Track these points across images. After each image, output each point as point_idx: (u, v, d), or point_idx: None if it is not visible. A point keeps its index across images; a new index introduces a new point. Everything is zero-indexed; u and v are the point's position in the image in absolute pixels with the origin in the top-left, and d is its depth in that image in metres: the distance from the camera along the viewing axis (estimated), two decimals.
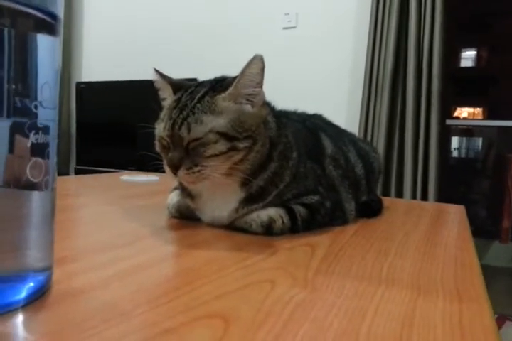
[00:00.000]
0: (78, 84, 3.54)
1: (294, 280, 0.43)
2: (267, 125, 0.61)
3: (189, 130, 0.55)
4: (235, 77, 0.58)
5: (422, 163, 2.57)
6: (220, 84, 0.59)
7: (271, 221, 0.61)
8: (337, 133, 0.84)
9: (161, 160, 0.60)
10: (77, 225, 0.65)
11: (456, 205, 1.03)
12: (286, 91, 2.65)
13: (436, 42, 2.52)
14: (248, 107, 0.58)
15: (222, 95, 0.57)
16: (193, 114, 0.56)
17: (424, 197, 2.55)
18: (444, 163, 2.62)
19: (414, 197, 2.57)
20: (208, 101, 0.57)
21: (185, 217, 0.69)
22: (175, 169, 0.56)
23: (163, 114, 0.59)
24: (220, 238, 0.60)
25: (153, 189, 1.06)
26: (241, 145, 0.56)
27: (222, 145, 0.55)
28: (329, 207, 0.68)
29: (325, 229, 0.67)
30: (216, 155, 0.56)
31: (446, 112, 2.71)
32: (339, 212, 0.71)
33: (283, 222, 0.61)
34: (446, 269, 0.50)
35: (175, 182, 0.73)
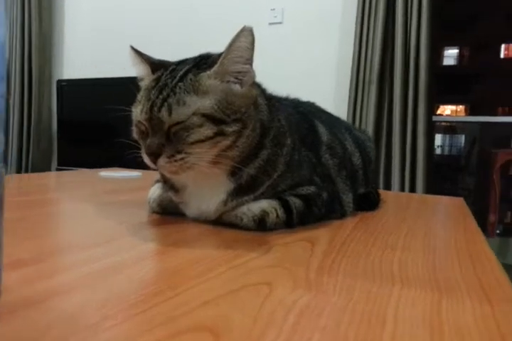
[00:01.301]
0: (59, 81, 3.42)
1: (295, 280, 0.36)
2: (257, 107, 0.55)
3: (170, 112, 0.49)
4: (221, 53, 0.51)
5: (410, 156, 2.54)
6: (205, 61, 0.52)
7: (264, 214, 0.55)
8: (332, 120, 0.78)
9: (140, 149, 0.53)
10: (44, 222, 0.58)
11: (454, 197, 0.99)
12: (271, 88, 2.59)
13: (423, 37, 2.49)
14: (236, 87, 0.52)
15: (208, 73, 0.51)
16: (175, 94, 0.49)
17: (413, 191, 2.52)
18: (431, 156, 2.60)
19: (402, 190, 2.55)
20: (191, 80, 0.50)
21: (168, 212, 0.62)
22: (154, 157, 0.50)
23: (140, 96, 0.52)
24: (207, 234, 0.53)
25: (134, 185, 0.98)
26: (229, 129, 0.50)
27: (208, 130, 0.49)
28: (326, 198, 0.62)
29: (322, 223, 0.61)
30: (201, 141, 0.49)
31: (433, 106, 2.70)
32: (336, 204, 0.65)
33: (277, 215, 0.55)
34: (464, 265, 0.44)
35: (157, 175, 0.67)
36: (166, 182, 0.61)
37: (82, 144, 3.40)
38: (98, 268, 0.37)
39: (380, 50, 2.56)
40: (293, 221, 0.57)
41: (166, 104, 0.49)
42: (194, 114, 0.49)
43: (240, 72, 0.51)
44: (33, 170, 3.26)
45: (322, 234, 0.55)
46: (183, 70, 0.51)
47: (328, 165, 0.67)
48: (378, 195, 0.80)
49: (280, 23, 2.81)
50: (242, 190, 0.55)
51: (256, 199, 0.56)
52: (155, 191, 0.64)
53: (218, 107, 0.49)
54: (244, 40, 0.49)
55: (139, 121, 0.52)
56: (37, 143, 3.40)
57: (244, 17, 2.84)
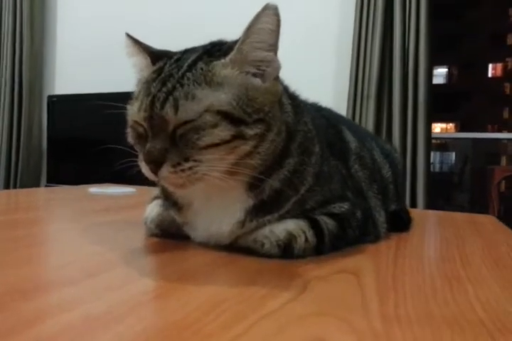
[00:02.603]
0: (50, 97, 3.34)
1: (359, 336, 0.26)
2: (282, 107, 0.45)
3: (176, 109, 0.38)
4: (239, 38, 0.42)
5: (410, 173, 2.47)
6: (219, 48, 0.43)
7: (290, 238, 0.44)
8: (356, 127, 0.68)
9: (136, 156, 0.43)
10: (25, 248, 0.46)
11: (485, 215, 0.89)
12: None
13: (422, 54, 2.44)
14: (257, 80, 0.42)
15: (222, 61, 0.41)
16: (182, 86, 0.39)
17: (414, 207, 2.44)
18: (429, 172, 2.53)
19: None
20: (202, 69, 0.40)
21: (170, 235, 0.51)
22: (155, 166, 0.39)
23: (138, 90, 0.42)
24: (220, 264, 0.42)
25: (127, 202, 0.87)
26: (250, 131, 0.40)
27: (224, 131, 0.39)
28: (360, 218, 0.51)
29: (355, 247, 0.50)
30: (215, 146, 0.39)
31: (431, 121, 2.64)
32: (370, 224, 0.54)
33: (306, 239, 0.44)
34: None
35: (155, 190, 0.56)
36: (167, 198, 0.50)
37: (73, 161, 3.29)
38: (75, 321, 0.26)
39: (377, 65, 2.50)
40: (324, 246, 0.46)
41: (170, 98, 0.39)
42: (207, 110, 0.38)
43: (262, 61, 0.42)
44: (22, 187, 3.13)
45: (362, 262, 0.44)
46: (192, 58, 0.41)
47: (359, 178, 0.57)
48: (408, 212, 0.70)
49: None
50: (264, 208, 0.44)
51: (280, 218, 0.45)
52: (153, 209, 0.53)
53: (237, 103, 0.39)
54: (268, 20, 0.40)
55: (136, 122, 0.41)
56: (26, 159, 3.28)
57: (238, 32, 2.79)
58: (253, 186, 0.44)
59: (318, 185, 0.47)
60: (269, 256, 0.44)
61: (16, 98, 3.16)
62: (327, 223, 0.46)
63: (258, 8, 0.40)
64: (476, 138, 3.75)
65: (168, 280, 0.36)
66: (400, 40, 2.52)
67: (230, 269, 0.41)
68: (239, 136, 0.39)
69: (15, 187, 3.19)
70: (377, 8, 2.62)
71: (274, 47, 0.41)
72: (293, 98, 0.49)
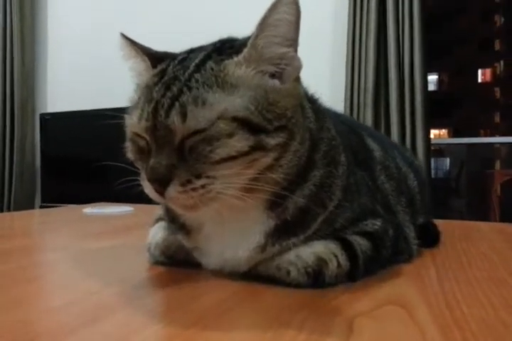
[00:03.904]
0: (42, 115, 3.29)
1: None
2: (303, 112, 0.39)
3: (184, 116, 0.32)
4: (252, 34, 0.36)
5: None
6: (230, 45, 0.37)
7: (320, 264, 0.38)
8: (377, 135, 0.63)
9: (136, 173, 0.36)
10: (5, 286, 0.39)
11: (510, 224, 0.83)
12: None
13: (417, 59, 2.41)
14: (276, 81, 0.36)
15: (235, 59, 0.35)
16: (189, 89, 0.33)
17: None
18: (431, 178, 2.48)
19: None
20: (212, 70, 0.34)
21: (177, 263, 0.44)
22: (161, 185, 0.33)
23: (137, 97, 0.36)
24: (239, 300, 0.36)
25: (125, 223, 0.80)
26: (272, 141, 0.34)
27: (241, 141, 0.33)
28: (392, 235, 0.45)
29: (389, 270, 0.44)
30: (232, 159, 0.33)
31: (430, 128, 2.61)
32: (402, 241, 0.48)
33: (338, 264, 0.38)
34: None
35: (158, 210, 0.50)
36: (173, 220, 0.44)
37: (67, 180, 3.22)
38: None
39: (373, 73, 2.47)
40: (358, 271, 0.40)
41: (177, 104, 0.33)
42: (220, 117, 0.32)
43: (280, 59, 0.36)
44: (16, 207, 3.04)
45: (405, 290, 0.38)
46: (200, 57, 0.36)
47: (386, 190, 0.51)
48: (436, 225, 0.64)
49: None
50: (288, 229, 0.38)
51: (307, 241, 0.39)
52: (157, 233, 0.47)
53: (256, 108, 0.33)
54: (286, 10, 0.34)
55: (136, 134, 0.35)
56: (20, 179, 3.21)
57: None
58: (274, 204, 0.38)
59: (347, 200, 0.41)
60: (295, 285, 0.37)
61: (8, 116, 3.10)
62: (361, 244, 0.40)
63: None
64: (470, 143, 3.72)
65: (179, 327, 0.29)
66: (394, 47, 2.50)
67: (254, 306, 0.34)
68: (258, 147, 0.33)
69: (9, 206, 3.11)
70: (370, 16, 2.60)
71: (294, 43, 0.36)
72: (313, 101, 0.43)
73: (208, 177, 0.33)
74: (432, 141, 2.71)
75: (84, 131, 3.13)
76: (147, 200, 0.38)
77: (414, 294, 0.37)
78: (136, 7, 2.98)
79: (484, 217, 3.74)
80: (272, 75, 0.36)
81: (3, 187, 3.12)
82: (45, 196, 3.36)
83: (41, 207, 3.28)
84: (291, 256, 0.38)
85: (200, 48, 0.38)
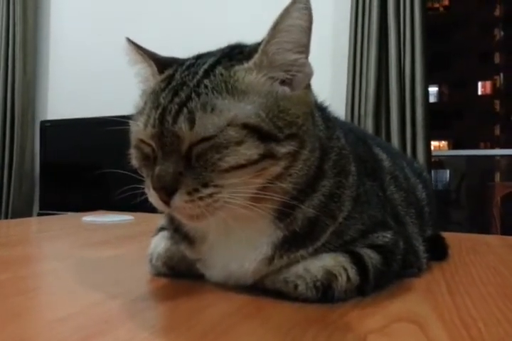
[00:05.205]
0: (43, 122, 3.29)
1: None
2: (313, 120, 0.38)
3: (192, 123, 0.31)
4: (263, 40, 0.35)
5: None
6: (240, 50, 0.36)
7: (329, 278, 0.36)
8: (384, 144, 0.62)
9: (136, 181, 0.35)
10: (2, 298, 0.38)
11: None
12: None
13: (418, 70, 2.42)
14: (286, 88, 0.35)
15: (246, 65, 0.34)
16: (198, 95, 0.32)
17: None
18: (433, 190, 2.48)
19: None
20: (221, 75, 0.33)
21: (179, 274, 0.43)
22: (167, 194, 0.32)
23: (144, 103, 0.35)
24: (245, 315, 0.34)
25: (125, 232, 0.79)
26: (282, 149, 0.33)
27: (251, 149, 0.32)
28: (403, 248, 0.44)
29: (399, 284, 0.43)
30: (241, 167, 0.32)
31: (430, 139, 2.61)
32: (411, 254, 0.47)
33: (348, 278, 0.37)
34: None
35: (160, 219, 0.48)
36: (176, 230, 0.42)
37: (66, 187, 3.20)
38: None
39: (374, 83, 2.48)
40: (368, 285, 0.38)
41: (185, 110, 0.32)
42: (230, 124, 0.31)
43: (292, 65, 0.35)
44: (14, 215, 3.02)
45: (417, 305, 0.37)
46: (209, 63, 0.35)
47: (395, 201, 0.49)
48: (444, 238, 0.62)
49: None
50: (296, 241, 0.37)
51: (316, 253, 0.37)
52: (159, 243, 0.45)
53: (266, 115, 0.32)
54: (299, 15, 0.33)
55: (142, 140, 0.34)
56: (18, 186, 3.19)
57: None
58: (283, 214, 0.36)
59: (356, 211, 0.40)
60: (303, 300, 0.36)
61: (9, 123, 3.10)
62: (371, 257, 0.39)
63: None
64: (470, 156, 3.72)
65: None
66: (395, 59, 2.51)
67: (261, 322, 0.32)
68: (268, 155, 0.32)
69: (7, 213, 3.08)
70: (371, 28, 2.62)
71: (305, 49, 0.35)
72: (322, 109, 0.42)
73: (215, 186, 0.32)
74: (432, 153, 2.71)
75: (84, 139, 3.13)
76: (148, 209, 0.37)
77: (427, 310, 0.35)
78: (135, 17, 3.00)
79: (485, 229, 3.72)
80: (283, 82, 0.35)
81: (2, 193, 3.10)
82: (44, 203, 3.33)
83: (39, 214, 3.25)
84: (299, 269, 0.37)
85: (209, 54, 0.38)
